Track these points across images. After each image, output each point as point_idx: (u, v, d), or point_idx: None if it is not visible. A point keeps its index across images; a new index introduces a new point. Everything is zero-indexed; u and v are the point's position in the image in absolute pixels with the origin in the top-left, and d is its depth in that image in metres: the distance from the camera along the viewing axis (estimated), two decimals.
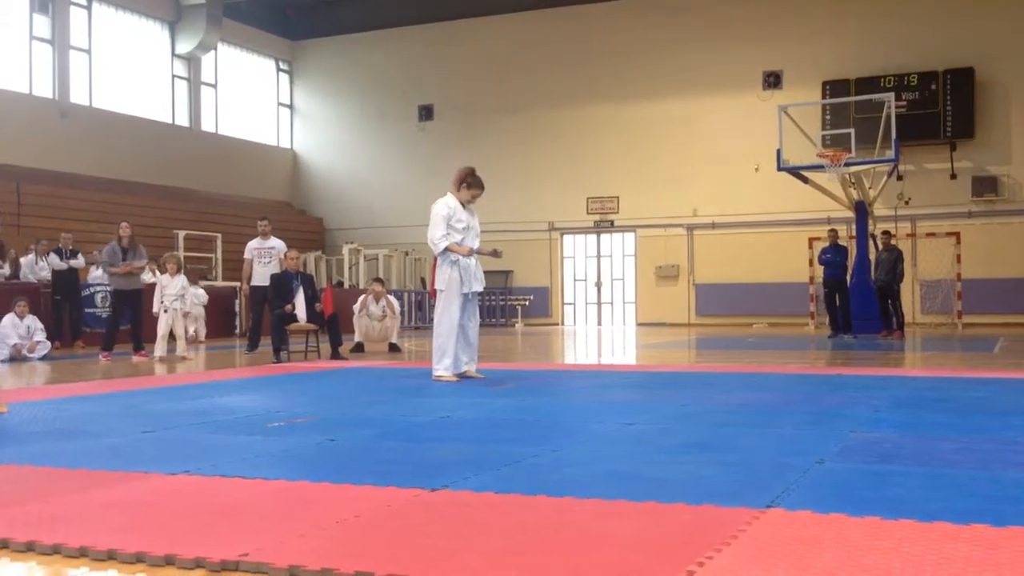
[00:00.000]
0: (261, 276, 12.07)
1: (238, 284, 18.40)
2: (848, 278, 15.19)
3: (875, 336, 14.61)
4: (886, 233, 15.37)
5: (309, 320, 10.87)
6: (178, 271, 11.64)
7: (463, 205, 7.67)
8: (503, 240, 20.00)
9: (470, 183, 7.67)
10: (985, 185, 20.67)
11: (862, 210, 16.18)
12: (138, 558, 2.41)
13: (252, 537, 2.56)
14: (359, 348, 12.38)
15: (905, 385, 6.80)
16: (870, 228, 16.31)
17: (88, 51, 20.68)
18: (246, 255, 12.47)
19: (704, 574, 2.20)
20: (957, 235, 18.77)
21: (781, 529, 2.60)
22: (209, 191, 23.42)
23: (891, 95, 16.60)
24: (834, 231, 15.47)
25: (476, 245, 7.74)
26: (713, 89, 22.53)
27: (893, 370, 8.59)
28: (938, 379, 7.36)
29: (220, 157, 23.92)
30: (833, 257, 14.84)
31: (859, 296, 15.26)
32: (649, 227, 23.20)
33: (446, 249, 7.55)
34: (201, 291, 15.89)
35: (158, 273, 12.24)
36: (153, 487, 3.30)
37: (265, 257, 12.28)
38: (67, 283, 14.08)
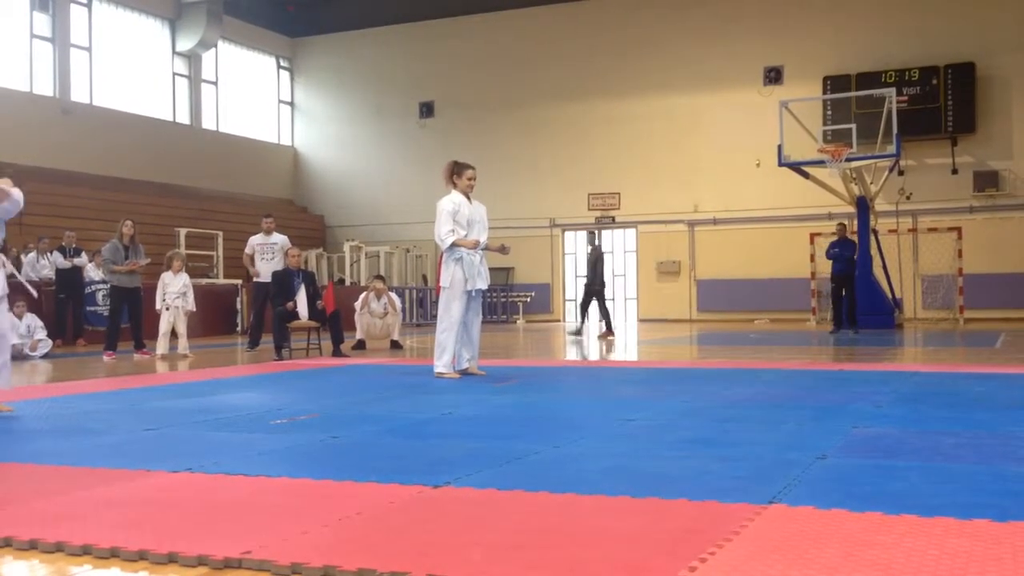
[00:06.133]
0: (264, 273, 12.07)
1: (239, 282, 18.46)
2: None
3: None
4: (592, 233, 15.49)
5: (311, 317, 10.86)
6: (180, 269, 11.65)
7: (468, 200, 7.68)
8: (504, 236, 19.92)
9: (458, 170, 7.69)
10: (986, 180, 20.65)
11: (863, 205, 16.16)
12: (141, 556, 2.42)
13: (255, 534, 2.57)
14: (361, 345, 12.38)
15: (907, 380, 6.80)
16: (871, 223, 16.29)
17: (89, 49, 20.67)
18: (247, 250, 12.44)
19: (706, 570, 2.20)
20: (959, 230, 18.75)
21: (783, 525, 2.61)
22: (210, 189, 23.43)
23: (892, 90, 16.57)
24: (843, 225, 15.33)
25: (483, 239, 7.74)
26: (714, 84, 22.52)
27: (895, 365, 8.59)
28: (940, 374, 7.35)
29: (221, 155, 23.92)
30: (841, 252, 14.77)
31: (863, 291, 15.24)
32: (650, 223, 23.19)
33: (453, 245, 7.56)
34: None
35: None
36: (156, 485, 3.31)
37: (268, 253, 12.25)
38: (71, 281, 14.10)
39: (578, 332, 15.59)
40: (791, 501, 2.89)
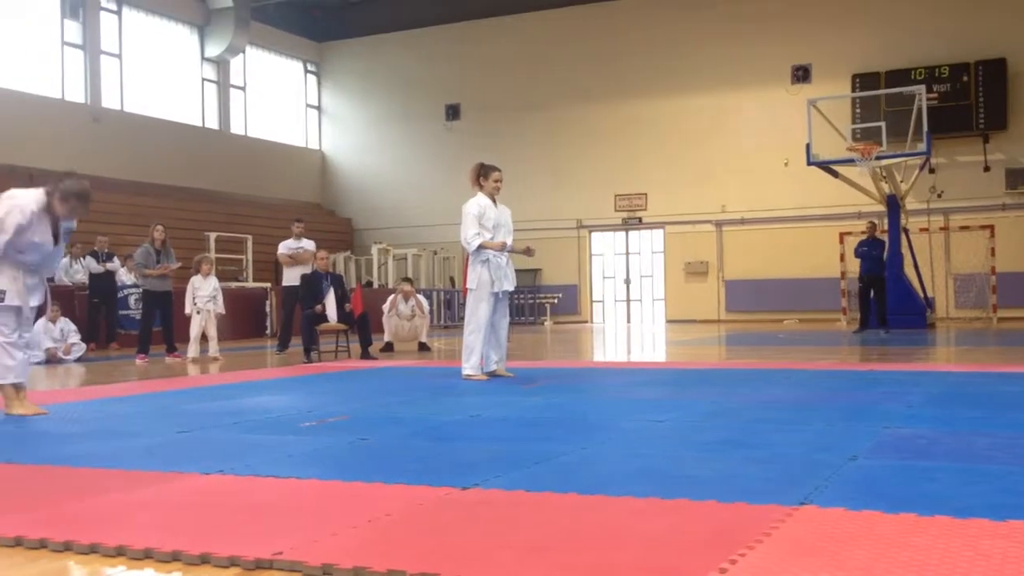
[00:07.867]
0: (292, 276, 12.15)
1: (269, 285, 18.60)
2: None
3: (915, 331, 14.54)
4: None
5: (339, 320, 10.92)
6: (210, 272, 11.75)
7: (494, 202, 7.69)
8: (531, 238, 19.90)
9: (485, 172, 7.69)
10: (1019, 177, 20.36)
11: (894, 204, 16.01)
12: (174, 557, 2.44)
13: (286, 536, 2.59)
14: (389, 348, 12.43)
15: (939, 381, 6.72)
16: (902, 222, 16.13)
17: (119, 56, 20.91)
18: (282, 250, 12.54)
19: (737, 572, 2.19)
20: (991, 228, 18.53)
21: (814, 526, 2.59)
22: (239, 193, 23.61)
23: (922, 87, 16.42)
24: (873, 224, 15.20)
25: (509, 241, 7.74)
26: (741, 83, 22.39)
27: (927, 365, 8.50)
28: (973, 374, 7.27)
29: (249, 159, 24.11)
30: (870, 251, 14.62)
31: (893, 291, 15.08)
32: (678, 224, 23.10)
33: (480, 247, 7.56)
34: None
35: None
36: (188, 487, 3.34)
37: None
38: (103, 286, 14.26)
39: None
40: (822, 502, 2.87)
